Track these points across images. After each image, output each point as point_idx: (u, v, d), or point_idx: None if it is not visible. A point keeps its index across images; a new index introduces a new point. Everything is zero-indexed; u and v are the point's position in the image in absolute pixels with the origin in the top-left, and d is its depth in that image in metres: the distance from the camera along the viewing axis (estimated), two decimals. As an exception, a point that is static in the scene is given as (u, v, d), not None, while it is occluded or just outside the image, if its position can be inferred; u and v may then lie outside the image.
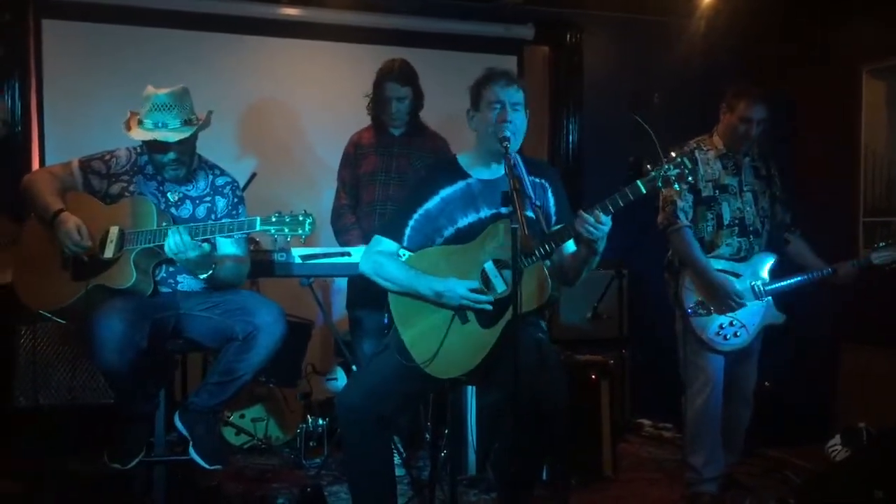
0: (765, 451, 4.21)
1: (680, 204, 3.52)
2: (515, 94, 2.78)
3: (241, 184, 3.40)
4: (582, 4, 5.36)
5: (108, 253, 2.96)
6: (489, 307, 2.66)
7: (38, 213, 3.04)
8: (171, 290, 3.11)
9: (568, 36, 5.38)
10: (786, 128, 4.65)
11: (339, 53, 5.05)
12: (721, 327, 3.50)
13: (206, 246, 2.94)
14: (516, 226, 2.40)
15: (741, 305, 3.48)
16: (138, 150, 3.19)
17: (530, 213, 2.72)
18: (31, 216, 3.12)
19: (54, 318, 3.05)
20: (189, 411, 3.04)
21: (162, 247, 2.90)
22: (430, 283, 2.71)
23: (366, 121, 4.09)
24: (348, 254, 3.60)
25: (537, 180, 2.88)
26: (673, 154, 2.54)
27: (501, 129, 2.71)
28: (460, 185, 2.86)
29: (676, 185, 2.56)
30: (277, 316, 2.98)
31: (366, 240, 3.63)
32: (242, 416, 4.28)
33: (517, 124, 2.76)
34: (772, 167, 3.69)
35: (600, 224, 2.53)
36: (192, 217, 3.14)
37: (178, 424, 3.03)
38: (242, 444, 4.25)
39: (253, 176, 4.11)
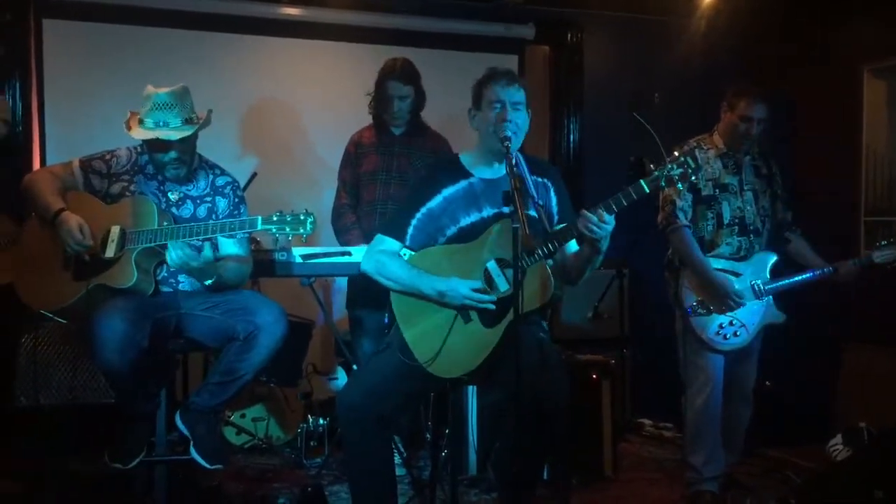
0: (765, 450, 4.20)
1: (679, 203, 3.51)
2: (517, 94, 2.78)
3: (242, 183, 3.40)
4: (583, 4, 5.36)
5: (110, 252, 2.96)
6: (492, 307, 2.66)
7: (39, 213, 3.03)
8: (172, 290, 3.11)
9: (568, 35, 5.38)
10: (786, 127, 4.66)
11: (340, 53, 5.05)
12: (721, 327, 3.50)
13: (208, 254, 2.94)
14: (518, 225, 2.40)
15: (740, 305, 3.47)
16: (139, 149, 3.18)
17: (533, 213, 2.74)
18: (32, 216, 3.12)
19: (55, 317, 3.05)
20: (190, 411, 3.03)
21: (164, 246, 2.90)
22: (432, 283, 2.71)
23: (366, 120, 4.09)
24: (349, 253, 3.60)
25: (540, 179, 2.88)
26: (676, 153, 2.54)
27: (502, 128, 2.71)
28: (462, 184, 2.86)
29: (679, 185, 2.56)
30: (278, 315, 2.98)
31: (366, 239, 3.64)
32: (243, 416, 4.28)
33: (518, 123, 2.76)
34: (773, 165, 3.68)
35: (604, 223, 2.53)
36: (192, 217, 3.14)
37: (180, 424, 3.02)
38: (243, 444, 4.25)
39: (254, 175, 4.12)
